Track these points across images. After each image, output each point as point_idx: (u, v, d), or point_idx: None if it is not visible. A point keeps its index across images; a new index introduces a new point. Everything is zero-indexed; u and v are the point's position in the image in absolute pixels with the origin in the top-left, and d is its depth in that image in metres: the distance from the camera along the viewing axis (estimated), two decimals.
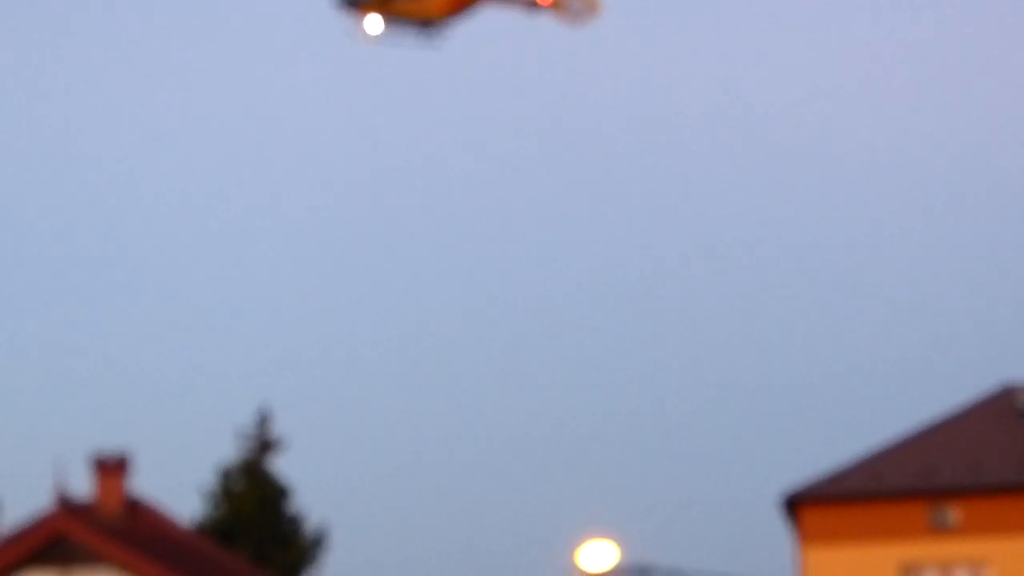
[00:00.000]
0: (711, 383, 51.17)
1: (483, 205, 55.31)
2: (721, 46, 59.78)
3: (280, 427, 32.33)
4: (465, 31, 25.43)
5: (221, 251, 55.94)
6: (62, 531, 22.57)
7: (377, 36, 25.21)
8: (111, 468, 23.74)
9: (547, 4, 25.33)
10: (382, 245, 55.75)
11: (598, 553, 18.84)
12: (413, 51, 25.52)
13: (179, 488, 29.20)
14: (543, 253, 54.49)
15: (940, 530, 25.22)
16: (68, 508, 23.18)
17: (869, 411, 44.87)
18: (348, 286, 53.43)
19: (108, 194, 57.37)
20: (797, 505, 25.28)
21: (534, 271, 55.03)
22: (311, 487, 31.65)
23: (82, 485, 24.12)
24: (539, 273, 55.06)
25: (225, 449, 31.77)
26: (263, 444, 30.98)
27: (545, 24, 25.01)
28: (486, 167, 55.32)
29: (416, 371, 50.27)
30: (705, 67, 59.11)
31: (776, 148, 58.70)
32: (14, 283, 54.49)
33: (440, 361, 51.13)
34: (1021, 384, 27.34)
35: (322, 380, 47.32)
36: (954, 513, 25.28)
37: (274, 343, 50.00)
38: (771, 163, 58.75)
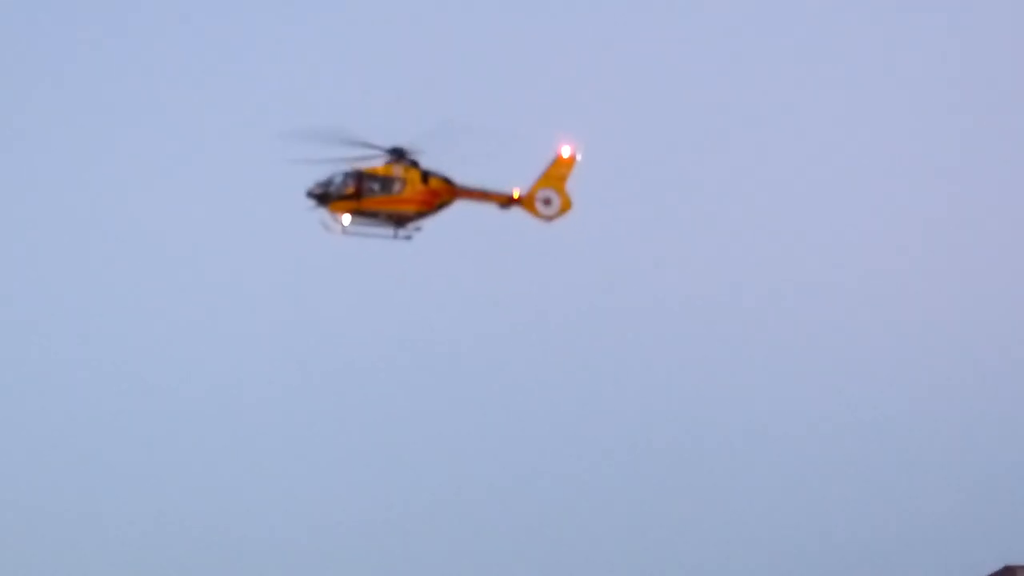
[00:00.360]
0: None
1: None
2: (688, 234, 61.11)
3: None
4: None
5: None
6: None
7: (348, 229, 25.86)
8: None
9: (516, 202, 26.04)
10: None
11: None
12: (386, 243, 25.90)
13: None
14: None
15: None
16: None
17: None
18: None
19: None
20: None
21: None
22: None
23: None
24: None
25: None
26: None
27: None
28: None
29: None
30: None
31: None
32: None
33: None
34: (1019, 564, 30.98)
35: None
36: None
37: None
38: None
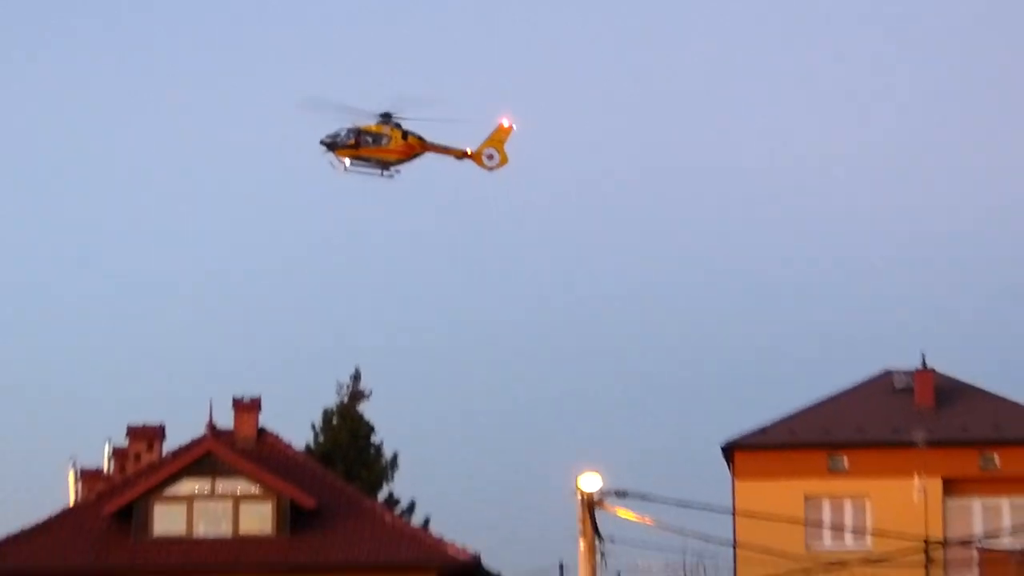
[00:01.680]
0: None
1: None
2: None
3: (367, 382, 42.62)
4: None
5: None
6: (210, 450, 30.77)
7: (348, 169, 35.83)
8: (246, 407, 32.17)
9: (469, 156, 36.15)
10: None
11: (589, 480, 26.05)
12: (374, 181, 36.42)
13: (295, 423, 39.50)
14: None
15: (834, 472, 35.01)
16: (215, 434, 31.66)
17: (787, 384, 58.65)
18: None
19: None
20: (733, 451, 34.98)
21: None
22: (388, 425, 43.29)
23: (226, 419, 32.48)
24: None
25: (328, 396, 42.26)
26: (355, 394, 40.60)
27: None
28: None
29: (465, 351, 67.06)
30: None
31: None
32: None
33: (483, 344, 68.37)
34: (896, 369, 37.22)
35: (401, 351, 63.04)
36: (844, 460, 35.11)
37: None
38: None
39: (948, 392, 36.68)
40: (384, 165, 34.31)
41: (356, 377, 42.21)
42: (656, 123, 74.57)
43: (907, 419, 34.95)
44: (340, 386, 41.79)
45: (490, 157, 34.46)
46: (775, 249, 70.42)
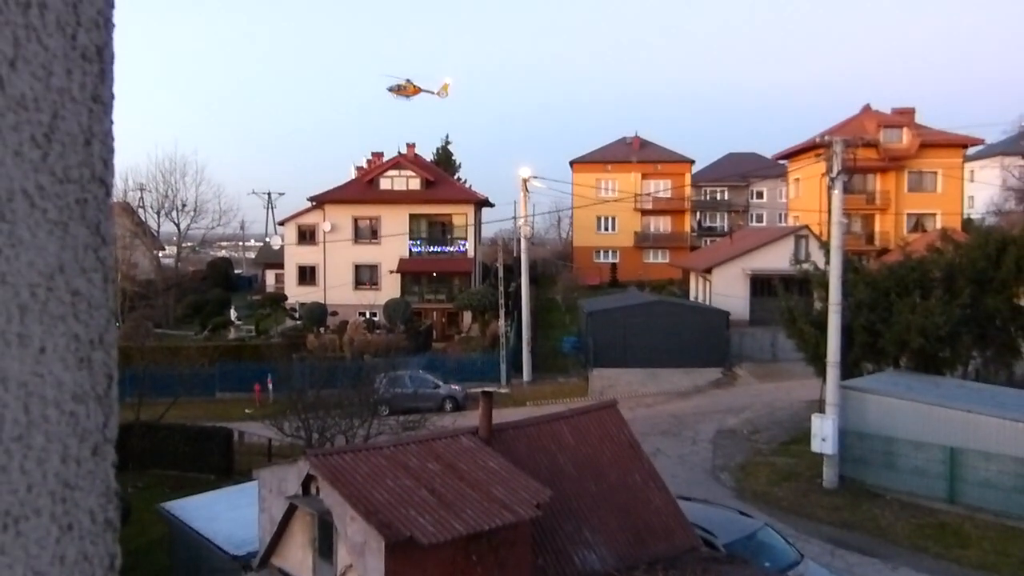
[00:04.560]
0: None
1: None
2: None
3: (453, 135, 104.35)
4: None
5: None
6: (399, 162, 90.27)
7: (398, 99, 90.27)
8: (411, 145, 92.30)
9: (435, 93, 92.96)
10: None
11: (525, 170, 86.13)
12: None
13: (427, 151, 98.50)
14: None
15: (605, 171, 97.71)
16: (400, 155, 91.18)
17: None
18: None
19: None
20: (573, 164, 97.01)
21: None
22: (460, 148, 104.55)
23: (402, 147, 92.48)
24: None
25: (438, 141, 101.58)
26: (447, 142, 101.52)
27: None
28: None
29: None
30: None
31: None
32: None
33: None
34: None
35: None
36: (609, 167, 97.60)
37: None
38: None
39: (644, 144, 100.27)
40: (407, 96, 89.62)
41: (447, 139, 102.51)
42: None
43: (630, 152, 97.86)
44: (442, 139, 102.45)
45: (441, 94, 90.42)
46: None
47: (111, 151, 1.54)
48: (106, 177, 1.54)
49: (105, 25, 1.51)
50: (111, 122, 1.54)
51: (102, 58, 1.51)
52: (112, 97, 1.53)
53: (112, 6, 1.51)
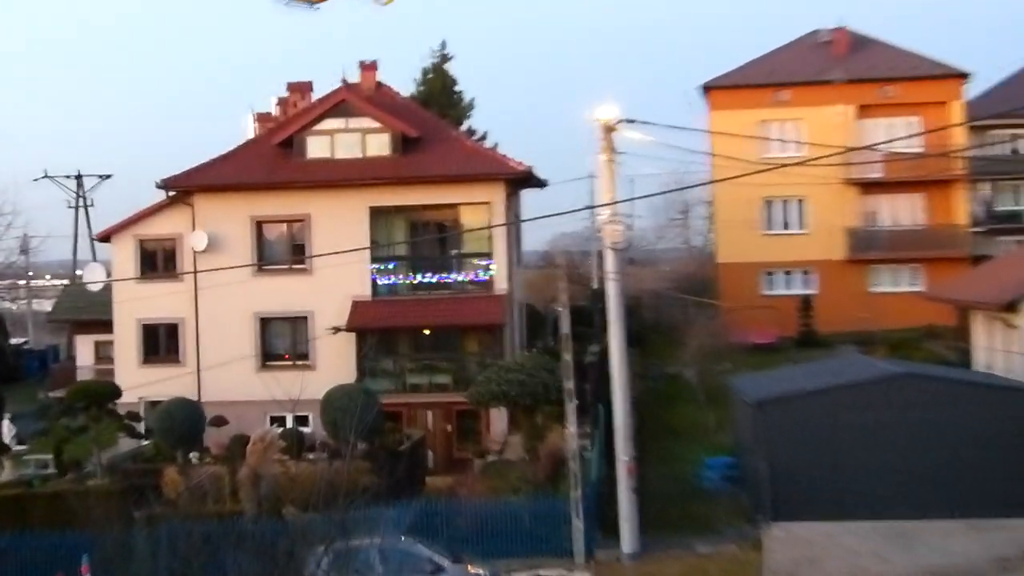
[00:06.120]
0: None
1: None
2: None
3: (452, 47, 58.23)
4: None
5: None
6: (345, 98, 43.08)
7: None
8: (368, 67, 45.40)
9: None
10: None
11: (607, 110, 38.32)
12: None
13: (402, 79, 54.89)
14: None
15: (779, 103, 49.44)
16: (348, 87, 44.44)
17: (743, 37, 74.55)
18: None
19: None
20: (709, 89, 49.62)
21: None
22: (469, 77, 60.60)
23: (353, 77, 45.61)
24: None
25: (424, 59, 58.01)
26: (444, 56, 55.08)
27: None
28: None
29: None
30: None
31: None
32: None
33: None
34: (821, 28, 53.46)
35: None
36: (787, 94, 49.51)
37: None
38: None
39: (859, 44, 51.44)
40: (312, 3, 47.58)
41: (443, 45, 57.18)
42: None
43: (829, 63, 49.52)
44: (433, 51, 56.93)
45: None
46: None
47: None
48: None
49: None
50: None
51: None
52: None
53: None
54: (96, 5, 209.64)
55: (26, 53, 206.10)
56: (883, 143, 43.16)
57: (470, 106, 54.38)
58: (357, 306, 41.52)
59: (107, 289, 43.94)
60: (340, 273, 39.52)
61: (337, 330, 41.19)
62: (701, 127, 47.00)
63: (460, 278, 42.53)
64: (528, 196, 46.52)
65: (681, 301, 49.26)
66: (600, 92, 39.29)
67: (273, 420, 39.92)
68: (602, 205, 29.05)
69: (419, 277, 42.38)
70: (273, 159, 43.32)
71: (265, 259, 42.60)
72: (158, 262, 43.02)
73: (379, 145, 43.00)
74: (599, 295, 41.92)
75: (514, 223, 43.67)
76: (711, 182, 45.65)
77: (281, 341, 43.01)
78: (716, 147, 44.19)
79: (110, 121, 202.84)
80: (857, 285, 49.59)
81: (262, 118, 45.97)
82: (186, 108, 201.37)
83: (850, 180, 48.23)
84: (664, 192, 47.74)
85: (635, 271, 47.55)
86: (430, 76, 54.09)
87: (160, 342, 42.93)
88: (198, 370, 42.03)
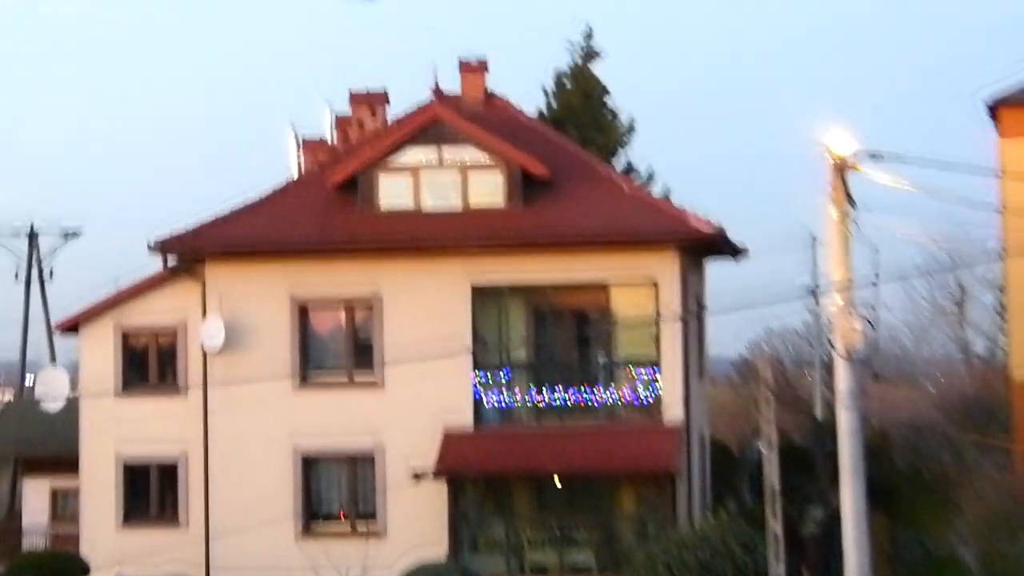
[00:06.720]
0: None
1: None
2: None
3: (600, 40, 42.14)
4: None
5: None
6: (437, 116, 29.68)
7: None
8: (473, 69, 31.83)
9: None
10: None
11: (840, 140, 25.32)
12: None
13: (525, 87, 40.64)
14: None
15: None
16: (441, 99, 30.58)
17: None
18: None
19: None
20: (999, 107, 32.72)
21: None
22: (625, 87, 44.52)
23: (452, 83, 31.95)
24: None
25: (560, 57, 42.40)
26: (588, 53, 41.04)
27: None
28: None
29: None
30: None
31: None
32: None
33: None
34: None
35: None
36: None
37: None
38: None
39: None
40: None
41: (588, 35, 41.64)
42: None
43: None
44: (572, 45, 41.47)
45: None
46: None
47: None
48: None
49: None
50: None
51: None
52: None
53: None
54: None
55: None
56: None
57: (630, 129, 39.48)
58: (451, 439, 29.44)
59: (71, 408, 32.64)
60: (426, 387, 29.11)
61: (420, 476, 29.57)
62: (987, 164, 31.92)
63: (610, 398, 29.79)
64: (715, 272, 33.16)
65: (955, 439, 34.82)
66: (824, 112, 25.13)
67: None
68: (831, 288, 17.25)
69: (547, 395, 29.96)
70: (327, 209, 30.67)
71: (312, 364, 30.37)
72: (150, 367, 31.19)
73: (489, 189, 29.90)
74: (825, 429, 30.64)
75: (695, 313, 29.76)
76: (1006, 255, 30.40)
77: (334, 492, 31.53)
78: (1011, 195, 29.84)
79: (81, 152, 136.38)
80: None
81: (311, 146, 32.44)
82: (194, 130, 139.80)
83: None
84: (931, 272, 32.21)
85: (883, 392, 33.15)
86: (567, 84, 39.43)
87: (151, 491, 31.35)
88: (206, 536, 30.29)
